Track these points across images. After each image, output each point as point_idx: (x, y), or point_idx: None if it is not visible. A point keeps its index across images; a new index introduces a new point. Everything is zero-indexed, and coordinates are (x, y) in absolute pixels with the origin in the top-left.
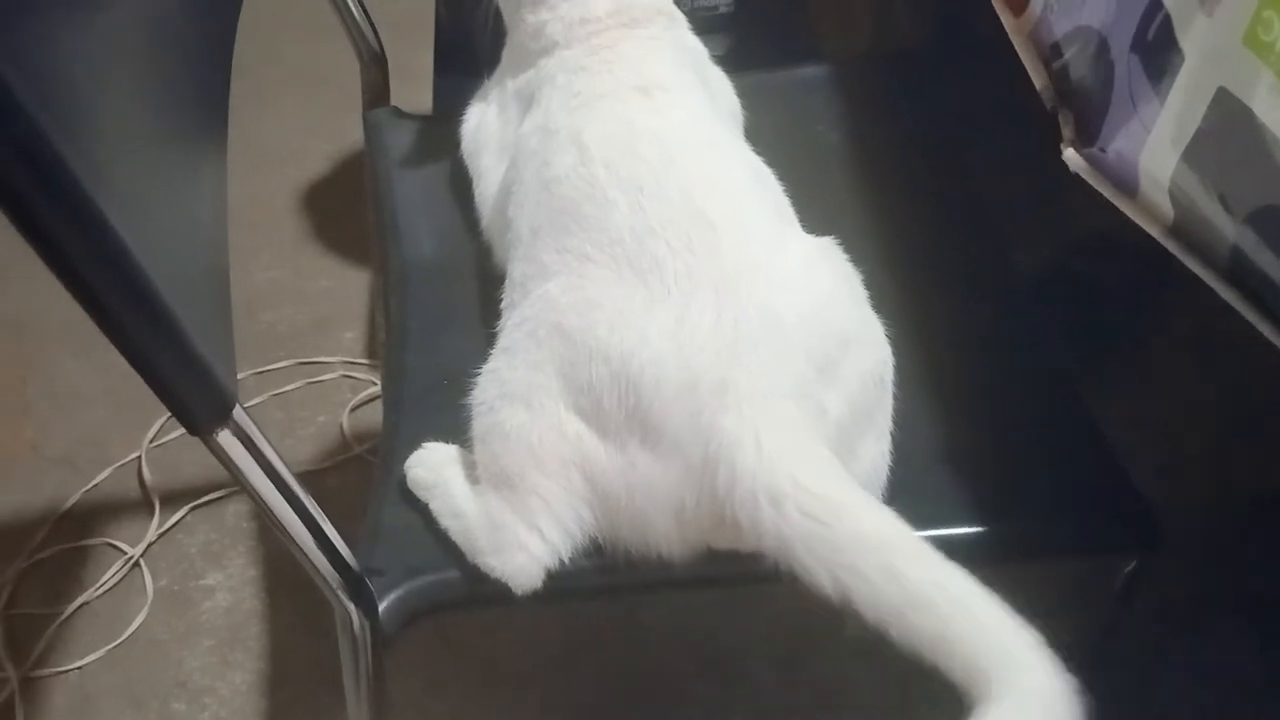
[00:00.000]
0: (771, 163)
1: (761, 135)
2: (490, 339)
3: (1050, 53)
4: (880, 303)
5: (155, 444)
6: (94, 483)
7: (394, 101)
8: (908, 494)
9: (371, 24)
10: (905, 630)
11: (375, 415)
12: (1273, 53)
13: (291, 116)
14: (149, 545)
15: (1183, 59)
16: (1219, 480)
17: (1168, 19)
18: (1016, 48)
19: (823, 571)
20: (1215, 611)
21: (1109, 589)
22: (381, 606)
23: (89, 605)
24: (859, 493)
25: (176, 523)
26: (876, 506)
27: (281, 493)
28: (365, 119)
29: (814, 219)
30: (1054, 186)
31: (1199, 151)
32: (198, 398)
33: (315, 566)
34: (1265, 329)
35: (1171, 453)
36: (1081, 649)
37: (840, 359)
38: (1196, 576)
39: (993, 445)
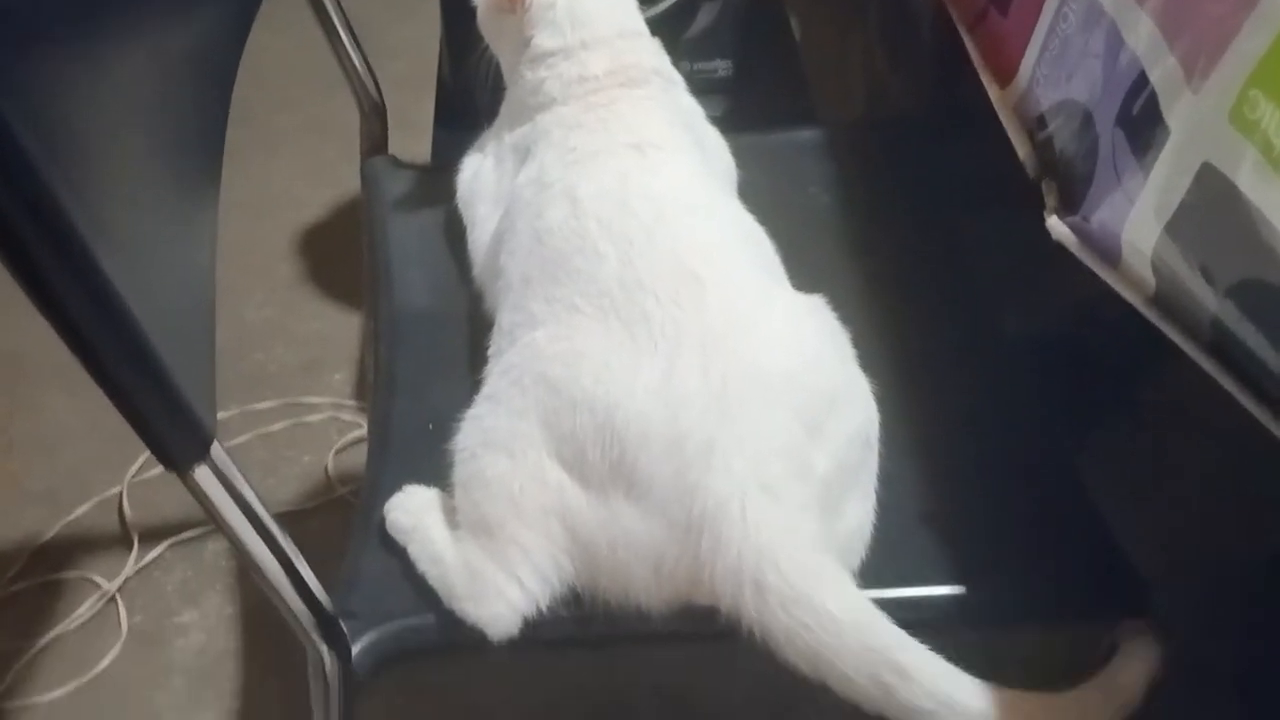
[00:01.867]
0: (764, 222)
1: (755, 195)
2: (478, 386)
3: (1035, 124)
4: (867, 363)
5: (137, 479)
6: (73, 516)
7: (394, 151)
8: (890, 552)
9: (374, 76)
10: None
11: (361, 457)
12: (1258, 130)
13: (294, 163)
14: (125, 581)
15: (1168, 134)
16: (1215, 549)
17: (1154, 95)
18: (1001, 118)
19: (801, 661)
20: (1207, 686)
21: (1094, 655)
22: (355, 650)
23: (61, 639)
24: (842, 588)
25: (154, 559)
26: (861, 605)
27: (258, 531)
28: (363, 167)
29: (804, 278)
30: (1044, 253)
31: (1182, 224)
32: (175, 433)
33: (289, 607)
34: (1245, 400)
35: (1166, 519)
36: None
37: (827, 417)
38: (1188, 649)
39: (976, 507)
